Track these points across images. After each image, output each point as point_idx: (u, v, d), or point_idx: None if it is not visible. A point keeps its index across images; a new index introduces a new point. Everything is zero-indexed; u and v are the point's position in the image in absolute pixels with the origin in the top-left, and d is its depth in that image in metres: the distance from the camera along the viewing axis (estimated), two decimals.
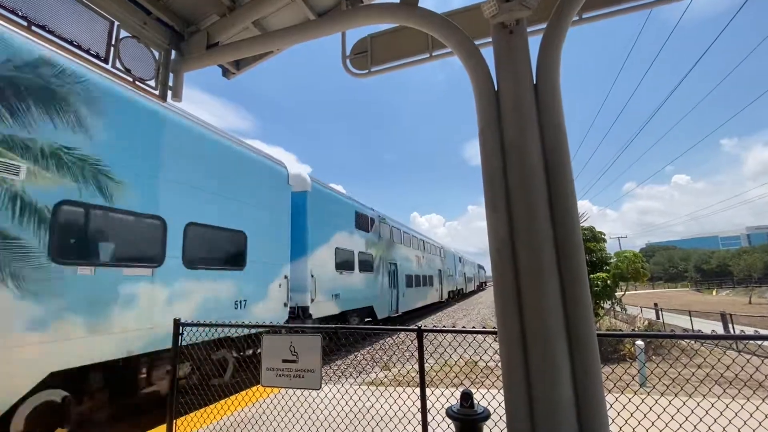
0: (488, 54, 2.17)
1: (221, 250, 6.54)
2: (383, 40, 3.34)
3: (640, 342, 6.11)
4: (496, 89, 2.04)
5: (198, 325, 3.74)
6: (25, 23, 2.37)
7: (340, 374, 8.18)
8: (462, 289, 37.91)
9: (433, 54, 3.19)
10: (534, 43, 2.21)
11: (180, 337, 3.78)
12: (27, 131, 3.90)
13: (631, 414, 2.75)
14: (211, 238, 6.27)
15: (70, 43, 2.53)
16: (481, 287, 62.84)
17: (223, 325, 3.79)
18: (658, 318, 19.81)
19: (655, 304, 22.32)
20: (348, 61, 3.41)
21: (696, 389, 2.72)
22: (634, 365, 6.34)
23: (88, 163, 4.41)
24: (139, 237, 5.03)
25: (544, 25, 2.13)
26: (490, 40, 2.17)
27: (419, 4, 2.46)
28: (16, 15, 2.36)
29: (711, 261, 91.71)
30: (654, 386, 2.77)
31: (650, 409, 2.66)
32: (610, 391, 1.97)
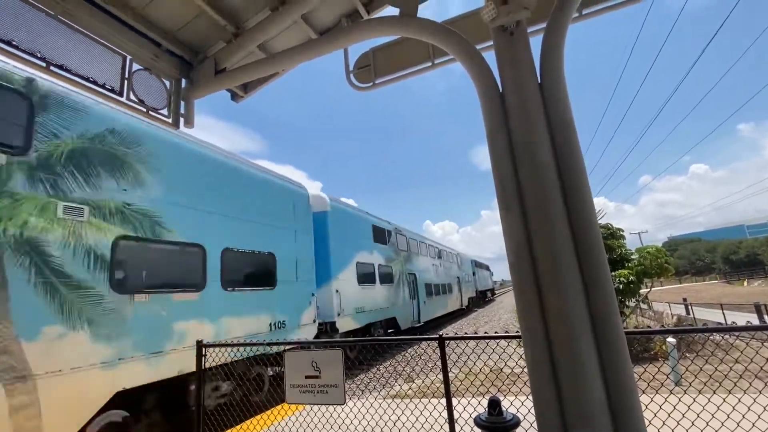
0: (490, 56, 2.18)
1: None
2: (385, 53, 3.39)
3: (671, 339, 5.88)
4: (501, 91, 2.04)
5: (219, 345, 3.77)
6: (43, 64, 2.49)
7: (363, 388, 8.10)
8: (411, 317, 15.97)
9: (435, 62, 3.22)
10: (536, 42, 2.22)
11: (203, 358, 3.81)
12: None
13: (669, 414, 2.64)
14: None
15: (87, 79, 2.65)
16: (483, 298, 39.61)
17: (245, 344, 3.81)
18: (688, 313, 19.13)
19: (684, 299, 21.57)
20: (352, 75, 3.47)
21: (735, 385, 2.59)
22: (666, 364, 6.10)
23: None
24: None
25: (544, 24, 2.14)
26: (491, 43, 2.18)
27: (418, 15, 2.50)
28: (35, 57, 2.48)
29: (739, 251, 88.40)
30: (690, 384, 2.65)
31: (688, 408, 2.55)
32: (644, 392, 1.90)
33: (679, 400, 2.33)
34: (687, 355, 8.34)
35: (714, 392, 2.56)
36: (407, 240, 17.15)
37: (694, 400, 2.55)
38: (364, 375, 9.48)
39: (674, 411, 2.65)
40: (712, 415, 2.44)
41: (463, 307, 27.85)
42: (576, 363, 1.65)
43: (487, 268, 47.57)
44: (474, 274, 34.45)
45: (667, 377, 3.04)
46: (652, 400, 2.48)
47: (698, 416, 2.52)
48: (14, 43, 2.38)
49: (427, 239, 21.00)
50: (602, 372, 1.65)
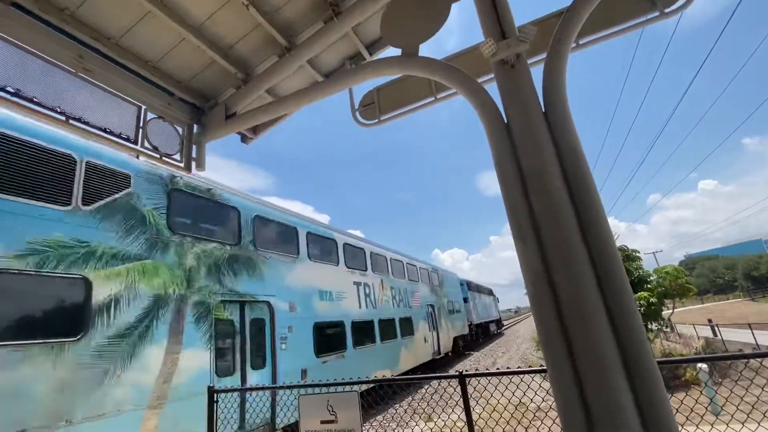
0: (493, 88, 2.22)
1: None
2: (389, 90, 3.49)
3: (704, 366, 5.55)
4: (506, 122, 2.07)
5: (233, 390, 3.66)
6: (63, 118, 2.60)
7: (382, 431, 7.73)
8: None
9: (438, 96, 3.30)
10: (537, 72, 2.27)
11: (215, 405, 3.68)
12: None
13: None
14: None
15: (104, 130, 2.75)
16: (485, 333, 29.48)
17: (259, 388, 3.69)
18: (715, 335, 18.29)
19: (710, 320, 20.70)
20: (357, 113, 3.57)
21: None
22: (702, 392, 5.74)
23: None
24: None
25: (544, 55, 2.19)
26: (493, 76, 2.23)
27: (420, 54, 2.58)
28: (56, 112, 2.60)
29: (760, 266, 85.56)
30: (732, 416, 2.45)
31: None
32: (683, 426, 1.78)
33: None
34: (720, 381, 7.88)
35: (759, 424, 2.37)
36: (236, 212, 7.13)
37: None
38: (382, 416, 9.07)
39: None
40: None
41: (440, 354, 16.35)
42: (608, 395, 1.56)
43: (490, 292, 35.34)
44: (467, 300, 24.40)
45: (707, 409, 2.85)
46: None
47: None
48: (36, 100, 2.50)
49: (334, 229, 10.54)
50: (637, 404, 1.55)
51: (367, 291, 11.10)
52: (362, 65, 2.89)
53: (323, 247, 9.64)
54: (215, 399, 3.70)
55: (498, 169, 2.00)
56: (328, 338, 8.52)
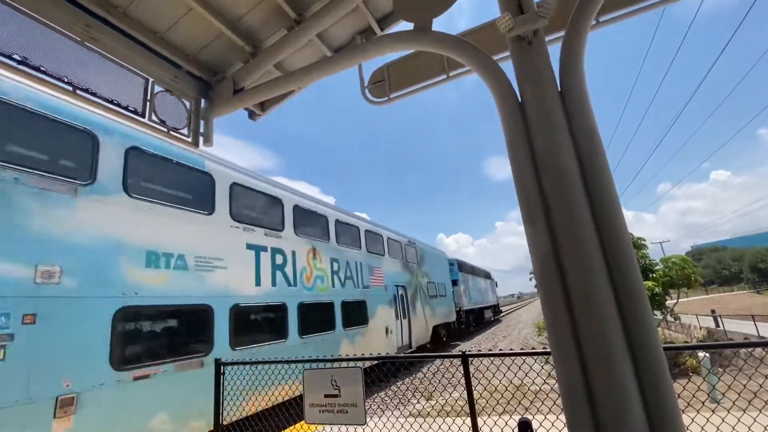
0: (508, 67, 2.15)
1: None
2: (400, 67, 3.41)
3: (706, 354, 5.58)
4: (520, 101, 2.01)
5: (240, 363, 3.73)
6: (70, 89, 2.58)
7: (384, 408, 7.92)
8: None
9: (450, 74, 3.22)
10: (555, 50, 2.19)
11: (222, 377, 3.77)
12: None
13: None
14: None
15: (111, 102, 2.72)
16: (479, 320, 27.16)
17: (267, 362, 3.76)
18: (717, 326, 18.31)
19: (713, 311, 20.70)
20: (367, 90, 3.50)
21: None
22: (704, 379, 5.78)
23: None
24: None
25: (562, 33, 2.11)
26: (508, 54, 2.15)
27: (432, 29, 2.50)
28: (63, 82, 2.57)
29: (767, 259, 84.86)
30: (734, 403, 2.46)
31: (733, 428, 2.38)
32: (684, 411, 1.79)
33: (723, 420, 2.18)
34: (720, 369, 7.92)
35: (760, 411, 2.38)
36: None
37: (738, 420, 2.39)
38: (384, 393, 9.29)
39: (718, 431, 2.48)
40: None
41: (411, 347, 13.03)
42: (612, 380, 1.56)
43: (487, 275, 31.62)
44: (457, 283, 21.01)
45: (708, 396, 2.86)
46: (693, 420, 2.32)
47: None
48: (43, 69, 2.47)
49: (219, 161, 6.75)
50: (641, 389, 1.56)
51: (280, 261, 7.55)
52: (373, 40, 2.81)
53: (173, 180, 5.84)
54: (222, 371, 3.79)
55: (510, 148, 1.96)
56: (158, 334, 5.08)
